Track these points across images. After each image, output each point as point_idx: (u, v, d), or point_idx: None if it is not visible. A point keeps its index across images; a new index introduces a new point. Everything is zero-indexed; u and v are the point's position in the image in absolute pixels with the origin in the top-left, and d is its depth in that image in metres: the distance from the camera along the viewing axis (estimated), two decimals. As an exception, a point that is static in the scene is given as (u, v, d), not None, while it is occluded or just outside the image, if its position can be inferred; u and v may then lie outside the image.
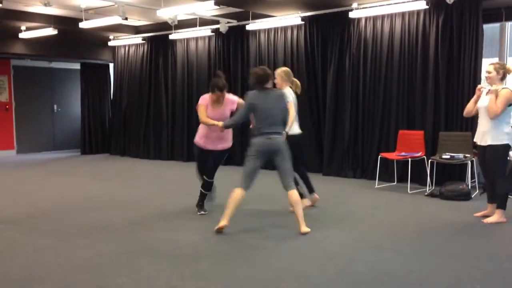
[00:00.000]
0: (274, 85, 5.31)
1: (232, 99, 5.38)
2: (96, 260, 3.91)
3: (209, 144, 5.35)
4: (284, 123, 4.78)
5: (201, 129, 5.41)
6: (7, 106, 11.75)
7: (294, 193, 4.68)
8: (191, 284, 3.41)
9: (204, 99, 5.29)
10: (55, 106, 12.76)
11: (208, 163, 5.40)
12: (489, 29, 7.10)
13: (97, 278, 3.52)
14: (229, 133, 5.40)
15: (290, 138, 4.95)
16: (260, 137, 4.66)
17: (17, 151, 12.07)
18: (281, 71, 5.61)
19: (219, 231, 4.61)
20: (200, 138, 5.41)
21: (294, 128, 5.31)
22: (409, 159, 6.71)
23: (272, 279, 3.49)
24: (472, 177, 6.55)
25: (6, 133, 11.83)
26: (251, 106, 4.68)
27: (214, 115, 5.19)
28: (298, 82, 5.68)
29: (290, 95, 5.34)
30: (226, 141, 5.41)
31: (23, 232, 4.77)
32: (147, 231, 4.80)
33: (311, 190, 5.76)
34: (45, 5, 6.78)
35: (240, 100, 5.33)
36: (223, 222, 4.60)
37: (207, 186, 5.47)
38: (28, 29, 9.65)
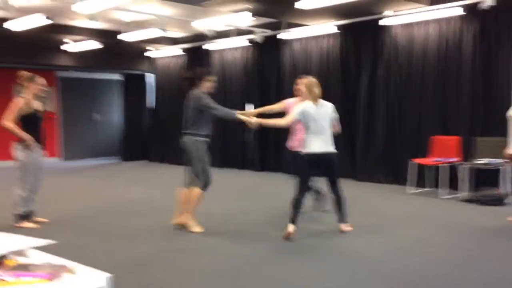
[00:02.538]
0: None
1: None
2: (137, 259, 4.16)
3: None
4: (194, 124, 4.95)
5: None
6: (51, 116, 12.33)
7: (191, 190, 4.99)
8: (228, 281, 3.61)
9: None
10: (98, 115, 13.31)
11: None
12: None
13: (140, 275, 3.76)
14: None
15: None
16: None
17: (64, 158, 12.64)
18: (305, 80, 5.00)
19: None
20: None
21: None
22: (443, 165, 6.73)
23: (304, 279, 3.65)
24: (509, 182, 6.50)
25: (52, 142, 12.42)
26: None
27: None
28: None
29: (297, 109, 4.84)
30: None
31: (69, 232, 5.08)
32: (184, 233, 5.03)
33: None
34: (91, 19, 7.19)
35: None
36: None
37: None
38: (73, 42, 10.17)
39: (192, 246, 4.57)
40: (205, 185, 4.97)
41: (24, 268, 1.32)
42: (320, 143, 4.75)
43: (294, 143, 5.58)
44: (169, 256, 4.26)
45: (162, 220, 5.59)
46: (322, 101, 4.82)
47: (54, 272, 1.29)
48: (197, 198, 4.97)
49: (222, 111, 5.05)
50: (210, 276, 3.73)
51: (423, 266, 3.91)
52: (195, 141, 4.93)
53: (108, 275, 1.30)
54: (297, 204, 4.74)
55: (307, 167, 4.83)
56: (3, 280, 1.25)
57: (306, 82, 4.90)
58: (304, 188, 4.81)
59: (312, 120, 4.73)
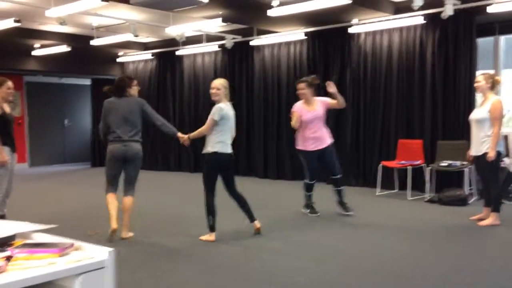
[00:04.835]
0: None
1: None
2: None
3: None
4: (139, 131, 4.91)
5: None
6: (19, 121, 12.13)
7: (128, 200, 4.96)
8: (205, 278, 3.71)
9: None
10: (65, 121, 13.15)
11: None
12: (484, 42, 7.44)
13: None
14: (324, 133, 5.90)
15: (212, 157, 4.81)
16: (117, 143, 4.84)
17: (30, 164, 12.43)
18: (224, 81, 4.96)
19: (112, 233, 4.81)
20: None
21: (218, 146, 4.80)
22: (409, 167, 7.00)
23: (280, 273, 3.79)
24: (470, 184, 6.81)
25: (18, 147, 12.16)
26: (105, 111, 4.95)
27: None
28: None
29: (219, 111, 4.77)
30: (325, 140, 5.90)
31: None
32: (160, 236, 5.10)
33: (251, 218, 5.08)
34: (61, 24, 7.16)
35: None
36: (114, 226, 4.81)
37: (338, 182, 5.96)
38: (41, 46, 10.07)
39: (151, 248, 4.65)
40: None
41: (34, 246, 1.40)
42: (229, 143, 4.86)
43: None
44: (146, 256, 4.33)
45: (135, 222, 5.62)
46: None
47: (63, 248, 1.38)
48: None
49: (165, 123, 5.10)
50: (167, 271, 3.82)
51: (390, 260, 4.11)
52: (141, 149, 4.96)
53: (110, 249, 1.40)
54: (211, 207, 4.82)
55: (218, 167, 4.85)
56: (16, 257, 1.33)
57: (223, 83, 4.90)
58: (213, 189, 4.84)
59: (228, 121, 4.82)
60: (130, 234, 5.03)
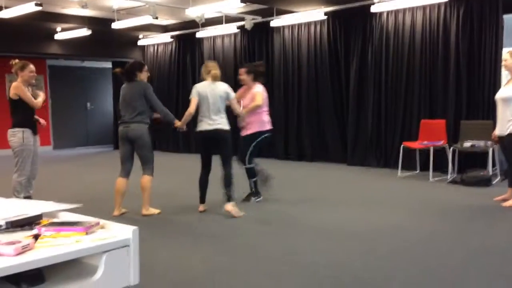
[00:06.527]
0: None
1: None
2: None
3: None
4: (141, 112, 5.06)
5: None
6: (43, 104, 12.31)
7: (143, 179, 5.16)
8: (225, 258, 3.75)
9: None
10: (88, 104, 13.32)
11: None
12: (511, 19, 7.23)
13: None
14: (251, 121, 5.62)
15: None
16: (120, 125, 5.17)
17: (53, 146, 12.66)
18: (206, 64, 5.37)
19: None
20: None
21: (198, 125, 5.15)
22: (431, 148, 6.92)
23: (297, 253, 3.81)
24: (494, 164, 6.71)
25: (42, 130, 12.40)
26: (120, 96, 5.27)
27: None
28: (214, 72, 5.19)
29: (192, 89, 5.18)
30: (246, 129, 5.69)
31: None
32: (184, 215, 5.17)
33: (228, 198, 5.12)
34: (82, 7, 7.22)
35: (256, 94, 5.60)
36: (116, 212, 5.19)
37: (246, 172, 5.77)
38: (63, 30, 10.16)
39: (169, 228, 4.72)
40: (153, 171, 5.22)
41: (60, 224, 1.44)
42: (207, 120, 5.06)
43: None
44: (169, 236, 4.40)
45: (158, 203, 5.70)
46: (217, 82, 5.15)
47: (89, 226, 1.41)
48: (151, 184, 5.18)
49: (164, 110, 5.26)
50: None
51: (412, 241, 4.09)
52: (146, 129, 5.12)
53: (134, 227, 1.44)
54: (200, 181, 5.30)
55: (200, 144, 5.26)
56: (44, 235, 1.37)
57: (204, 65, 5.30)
58: (203, 164, 5.31)
59: (204, 99, 5.05)
60: (154, 211, 5.25)
